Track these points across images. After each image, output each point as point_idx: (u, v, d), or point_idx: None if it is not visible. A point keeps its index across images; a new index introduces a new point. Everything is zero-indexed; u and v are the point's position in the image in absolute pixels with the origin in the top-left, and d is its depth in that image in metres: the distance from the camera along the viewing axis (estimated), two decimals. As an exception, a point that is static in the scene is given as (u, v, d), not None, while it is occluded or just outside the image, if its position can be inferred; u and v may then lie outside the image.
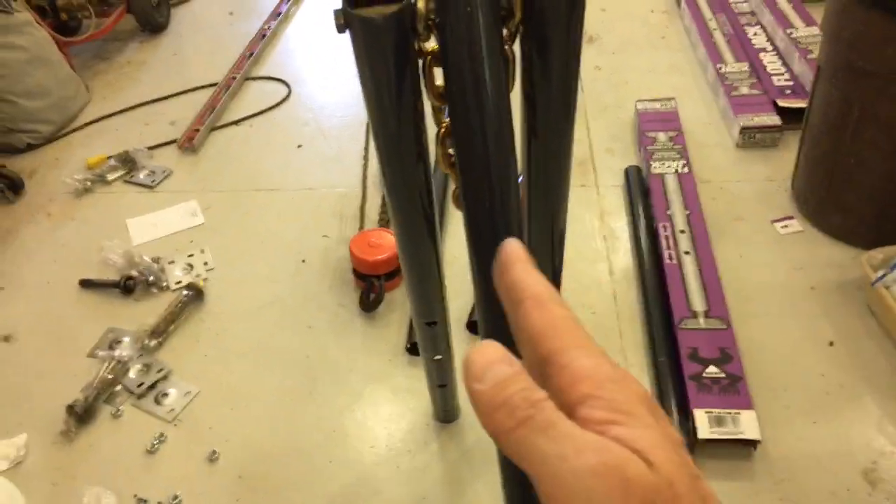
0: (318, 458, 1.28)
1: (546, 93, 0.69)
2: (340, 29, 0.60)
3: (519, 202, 0.68)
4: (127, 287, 1.61)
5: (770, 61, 2.04)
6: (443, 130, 0.71)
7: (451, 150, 0.70)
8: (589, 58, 2.34)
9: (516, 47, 0.67)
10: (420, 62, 0.67)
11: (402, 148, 0.73)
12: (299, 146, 2.09)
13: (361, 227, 1.76)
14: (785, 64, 2.02)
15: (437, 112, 0.71)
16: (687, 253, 1.52)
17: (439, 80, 0.67)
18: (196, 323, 1.56)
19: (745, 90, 1.95)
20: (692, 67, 2.23)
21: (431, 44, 0.66)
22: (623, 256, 1.61)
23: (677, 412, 1.25)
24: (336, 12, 0.60)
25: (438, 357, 1.10)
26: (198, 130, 2.13)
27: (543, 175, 0.80)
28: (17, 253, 1.79)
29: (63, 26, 2.51)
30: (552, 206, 0.86)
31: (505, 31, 0.64)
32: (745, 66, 2.05)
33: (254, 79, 2.43)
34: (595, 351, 0.31)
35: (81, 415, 1.36)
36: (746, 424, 1.20)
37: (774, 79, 1.97)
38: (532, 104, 0.71)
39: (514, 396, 0.29)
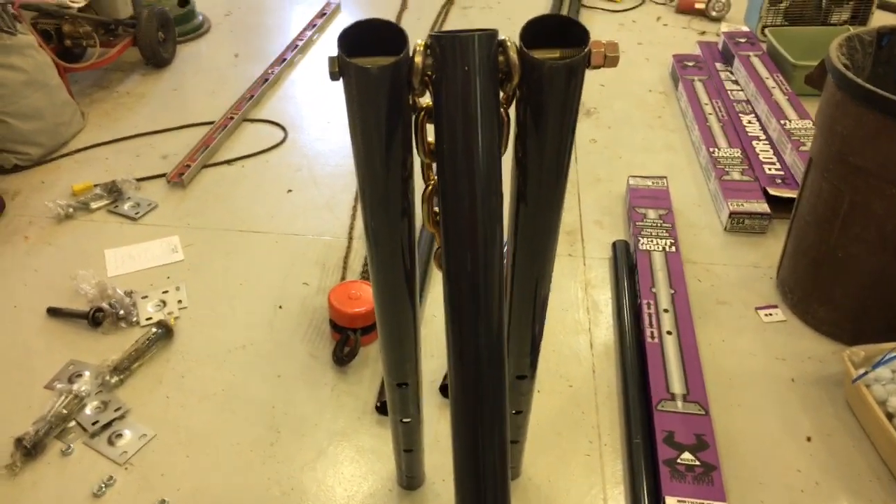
0: (272, 516, 1.22)
1: (538, 160, 0.68)
2: (334, 76, 0.59)
3: (502, 268, 0.66)
4: (95, 319, 1.56)
5: (762, 150, 2.07)
6: (430, 188, 0.69)
7: (437, 209, 0.68)
8: (585, 130, 2.36)
9: (512, 111, 0.66)
10: (413, 117, 0.66)
11: (387, 202, 0.71)
12: (289, 191, 2.08)
13: (343, 278, 1.73)
14: (777, 153, 2.05)
15: (426, 169, 0.70)
16: (669, 333, 1.49)
17: (432, 136, 0.66)
18: (161, 363, 1.50)
19: (736, 175, 1.97)
20: (686, 148, 2.26)
21: (426, 99, 0.65)
22: (605, 330, 1.59)
23: (648, 497, 1.21)
24: (331, 59, 0.59)
25: (407, 420, 1.06)
26: (189, 166, 2.11)
27: (529, 241, 0.79)
28: (-12, 274, 1.74)
29: (67, 52, 2.52)
30: (536, 273, 0.84)
31: (501, 94, 0.63)
32: (737, 153, 2.07)
33: (251, 120, 2.44)
34: None
35: (29, 449, 1.30)
36: (719, 517, 1.16)
37: (766, 167, 1.99)
38: (523, 170, 0.70)
39: None
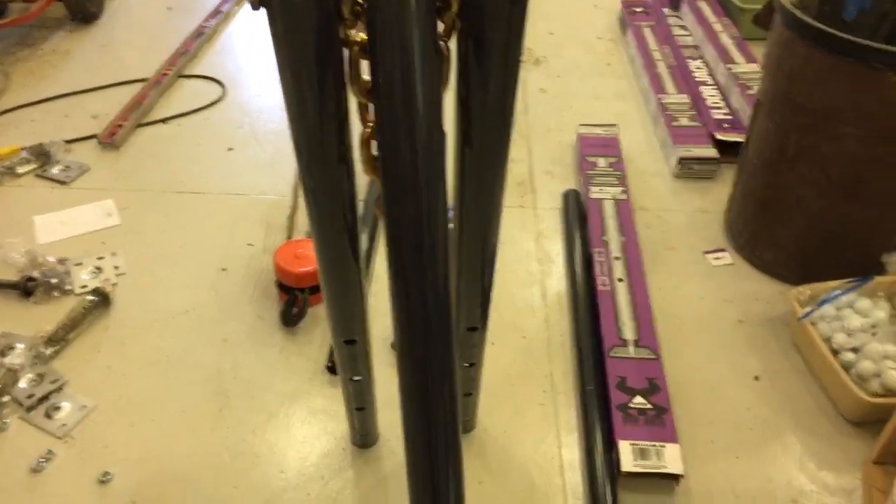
0: (221, 482, 1.18)
1: (482, 98, 0.64)
2: (254, 5, 0.54)
3: (447, 213, 0.62)
4: (26, 289, 1.49)
5: (710, 95, 2.07)
6: (368, 131, 0.65)
7: (376, 153, 0.64)
8: (534, 80, 2.33)
9: (452, 45, 0.62)
10: (346, 52, 0.61)
11: (323, 147, 0.66)
12: (230, 149, 1.99)
13: (289, 237, 1.68)
14: (724, 98, 2.05)
15: (363, 110, 0.65)
16: (620, 280, 1.49)
17: (367, 74, 0.61)
18: (99, 331, 1.44)
19: (685, 121, 1.97)
20: (635, 96, 2.24)
21: (360, 33, 0.60)
22: (557, 281, 1.58)
23: (601, 442, 1.21)
24: (252, -13, 0.54)
25: (357, 378, 1.04)
26: (121, 126, 2.01)
27: (476, 188, 0.75)
28: None
29: (-18, 7, 2.36)
30: (484, 221, 0.81)
31: (440, 25, 0.59)
32: (685, 98, 2.06)
33: (187, 76, 2.33)
34: None
35: (-39, 426, 1.23)
36: (670, 458, 1.17)
37: (713, 112, 1.98)
38: (467, 110, 0.66)
39: None
